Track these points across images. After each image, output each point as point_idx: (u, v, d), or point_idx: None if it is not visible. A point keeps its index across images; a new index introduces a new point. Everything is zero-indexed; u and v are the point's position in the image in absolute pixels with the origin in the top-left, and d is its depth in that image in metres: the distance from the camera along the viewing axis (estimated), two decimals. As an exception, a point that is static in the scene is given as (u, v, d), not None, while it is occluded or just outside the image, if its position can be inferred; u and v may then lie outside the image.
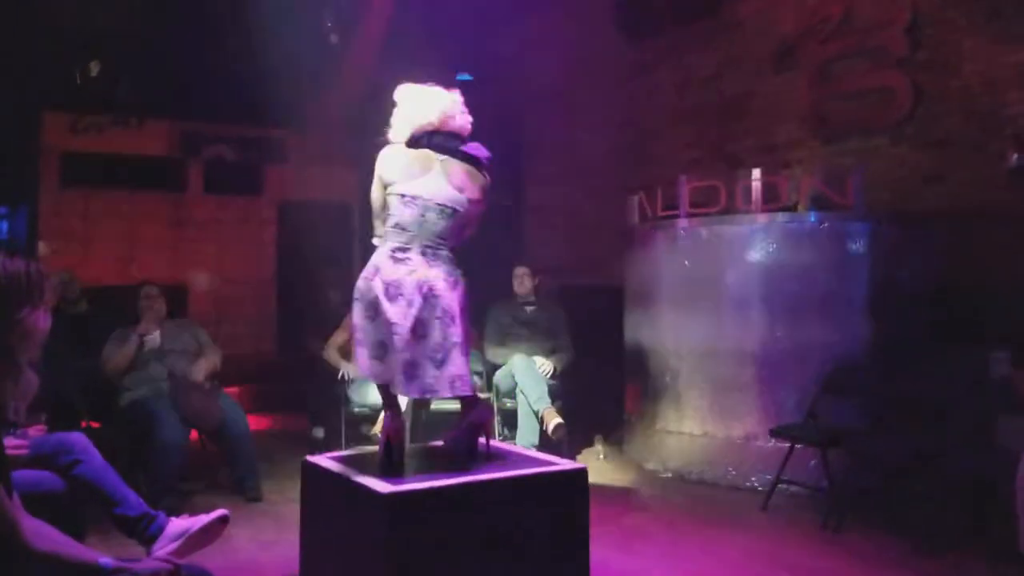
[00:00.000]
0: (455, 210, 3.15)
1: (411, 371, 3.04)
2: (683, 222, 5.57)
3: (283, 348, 8.96)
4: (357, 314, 3.14)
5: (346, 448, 5.14)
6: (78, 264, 5.87)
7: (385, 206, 3.22)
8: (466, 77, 7.43)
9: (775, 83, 6.60)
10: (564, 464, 3.19)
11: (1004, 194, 5.14)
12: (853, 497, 4.48)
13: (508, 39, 8.23)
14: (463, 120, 3.29)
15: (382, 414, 5.18)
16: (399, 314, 3.03)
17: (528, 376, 5.52)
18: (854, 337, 5.04)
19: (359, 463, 3.16)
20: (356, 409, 5.64)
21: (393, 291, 3.05)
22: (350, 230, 9.51)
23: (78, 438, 3.11)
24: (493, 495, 2.92)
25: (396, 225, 3.14)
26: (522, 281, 6.05)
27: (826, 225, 5.17)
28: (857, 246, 5.13)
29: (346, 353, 6.02)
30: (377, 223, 3.29)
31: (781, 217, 5.27)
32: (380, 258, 3.15)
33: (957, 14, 5.50)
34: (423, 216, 3.12)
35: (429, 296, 3.06)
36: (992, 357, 4.82)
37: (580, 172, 8.16)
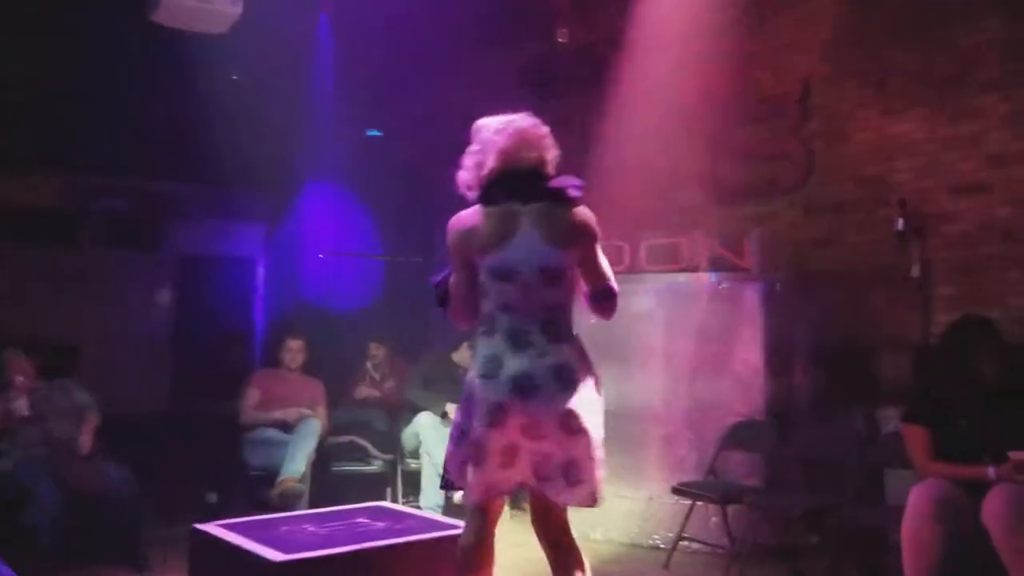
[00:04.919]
0: (559, 271, 2.65)
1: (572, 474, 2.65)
2: (587, 281, 5.61)
3: (176, 408, 8.61)
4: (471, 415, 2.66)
5: (243, 514, 4.95)
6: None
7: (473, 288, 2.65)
8: (375, 132, 7.40)
9: (676, 147, 6.77)
10: (465, 527, 3.11)
11: (892, 256, 5.36)
12: (753, 553, 4.52)
13: (415, 98, 8.25)
14: (540, 149, 2.75)
15: (280, 477, 5.07)
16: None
17: (433, 436, 5.44)
18: (752, 395, 5.14)
19: (250, 529, 3.04)
20: (253, 472, 5.44)
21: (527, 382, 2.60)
22: (253, 286, 9.29)
23: (-58, 509, 2.91)
24: (391, 561, 2.84)
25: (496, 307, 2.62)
26: (464, 357, 5.94)
27: (725, 285, 5.30)
28: (754, 306, 5.26)
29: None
30: (464, 310, 2.73)
31: (682, 277, 5.37)
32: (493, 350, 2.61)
33: (847, 86, 5.77)
34: (525, 287, 2.60)
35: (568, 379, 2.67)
36: (882, 414, 5.00)
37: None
